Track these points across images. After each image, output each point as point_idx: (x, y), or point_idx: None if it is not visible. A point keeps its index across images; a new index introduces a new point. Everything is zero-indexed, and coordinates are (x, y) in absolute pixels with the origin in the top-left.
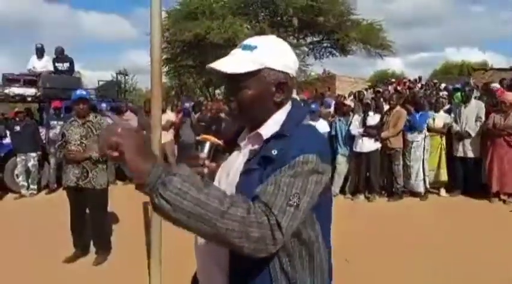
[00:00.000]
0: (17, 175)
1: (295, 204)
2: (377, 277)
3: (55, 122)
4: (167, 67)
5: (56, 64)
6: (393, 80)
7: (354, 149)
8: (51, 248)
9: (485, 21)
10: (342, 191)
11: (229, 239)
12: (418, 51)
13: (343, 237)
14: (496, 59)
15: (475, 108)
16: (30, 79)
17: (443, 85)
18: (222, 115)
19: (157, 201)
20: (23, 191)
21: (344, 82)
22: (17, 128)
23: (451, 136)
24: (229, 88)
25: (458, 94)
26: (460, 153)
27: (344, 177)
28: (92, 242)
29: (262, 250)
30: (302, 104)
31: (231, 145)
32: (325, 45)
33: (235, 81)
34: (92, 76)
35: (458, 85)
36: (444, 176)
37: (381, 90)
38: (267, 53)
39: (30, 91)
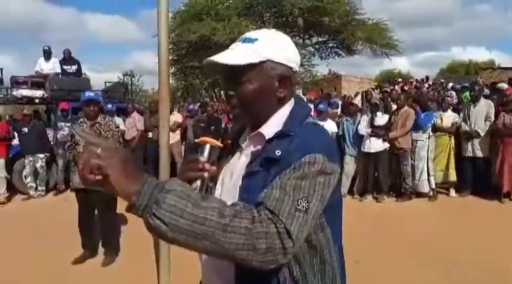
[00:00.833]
0: (25, 176)
1: (303, 208)
2: (386, 278)
3: (62, 124)
4: (173, 68)
5: (64, 66)
6: (400, 80)
7: (362, 149)
8: (60, 249)
9: (492, 20)
10: (350, 191)
11: (235, 254)
12: (424, 51)
13: (352, 238)
14: (503, 58)
15: (484, 108)
16: (38, 81)
17: (450, 84)
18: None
19: (152, 222)
20: (31, 192)
21: (350, 82)
22: (25, 130)
23: (460, 136)
24: (230, 83)
25: (467, 93)
26: (469, 153)
27: (352, 178)
28: (100, 244)
29: (272, 262)
30: (306, 102)
31: (234, 146)
32: (330, 45)
33: (236, 75)
34: (97, 78)
35: (466, 84)
36: (453, 176)
37: (388, 90)
38: (269, 45)
39: (38, 93)
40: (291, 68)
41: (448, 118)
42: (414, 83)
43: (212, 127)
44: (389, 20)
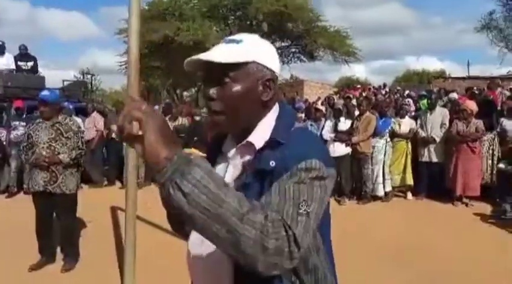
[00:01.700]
0: None
1: (305, 212)
2: (348, 279)
3: (17, 123)
4: None
5: (19, 62)
6: (359, 86)
7: None
8: (14, 255)
9: (443, 31)
10: None
11: (244, 247)
12: (380, 59)
13: None
14: (453, 67)
15: (440, 115)
16: None
17: (407, 92)
18: (197, 118)
19: (172, 192)
20: None
21: (311, 87)
22: None
23: (417, 142)
24: (212, 84)
25: (425, 101)
26: (425, 158)
27: None
28: (59, 249)
29: (277, 266)
30: (289, 105)
31: (213, 155)
32: (293, 50)
33: (219, 76)
34: (52, 75)
35: (424, 93)
36: (410, 180)
37: (351, 96)
38: (254, 47)
39: None
40: (274, 72)
41: (406, 124)
42: (372, 90)
43: (195, 138)
44: (350, 28)
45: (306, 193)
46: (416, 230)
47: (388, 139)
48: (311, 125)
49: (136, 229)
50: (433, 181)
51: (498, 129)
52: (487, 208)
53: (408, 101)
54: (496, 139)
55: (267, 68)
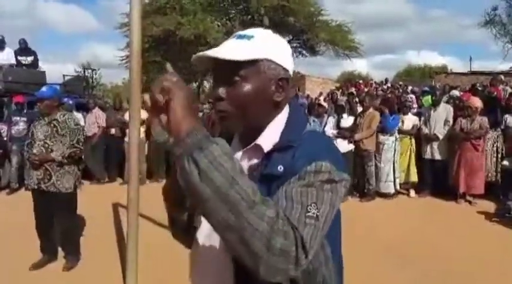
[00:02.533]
0: None
1: (314, 215)
2: (351, 277)
3: (18, 118)
4: None
5: (19, 57)
6: (360, 81)
7: None
8: (16, 253)
9: (445, 25)
10: None
11: (249, 239)
12: (381, 53)
13: None
14: (455, 62)
15: (443, 112)
16: None
17: (410, 87)
18: (199, 114)
19: (186, 165)
20: None
21: (313, 82)
22: None
23: (420, 139)
24: (222, 83)
25: (428, 97)
26: (428, 155)
27: None
28: (60, 247)
29: (281, 271)
30: (300, 104)
31: None
32: (294, 45)
33: (229, 74)
34: (51, 69)
35: (427, 88)
36: (414, 177)
37: (354, 92)
38: (266, 43)
39: None
40: (288, 70)
41: (409, 120)
42: (374, 85)
43: None
44: (352, 22)
45: (315, 196)
46: (420, 228)
47: (398, 136)
48: (313, 121)
49: (138, 226)
50: (436, 179)
51: (502, 126)
52: (491, 206)
53: (411, 97)
54: (500, 136)
55: (280, 66)
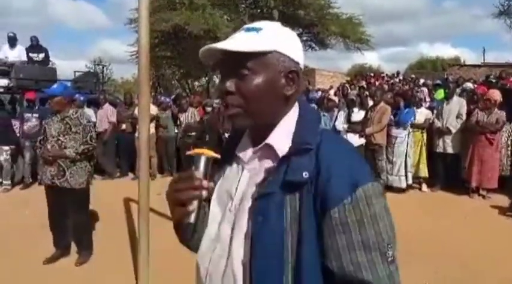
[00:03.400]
0: None
1: (392, 257)
2: None
3: (29, 115)
4: None
5: (30, 54)
6: (372, 74)
7: None
8: (29, 247)
9: (458, 16)
10: None
11: None
12: (392, 46)
13: None
14: (468, 54)
15: (456, 105)
16: (2, 69)
17: (422, 80)
18: (208, 109)
19: None
20: None
21: (323, 76)
22: None
23: (432, 132)
24: (230, 76)
25: (442, 90)
26: (440, 149)
27: None
28: (73, 242)
29: None
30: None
31: (226, 156)
32: (304, 38)
33: (237, 67)
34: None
35: (439, 82)
36: (424, 171)
37: (365, 85)
38: (275, 35)
39: (2, 82)
40: (298, 63)
41: (421, 114)
42: (385, 78)
43: (206, 136)
44: (362, 15)
45: (382, 232)
46: (431, 223)
47: (411, 130)
48: (324, 115)
49: (149, 221)
50: (448, 173)
51: None
52: (504, 201)
53: (422, 90)
54: None
55: (290, 59)
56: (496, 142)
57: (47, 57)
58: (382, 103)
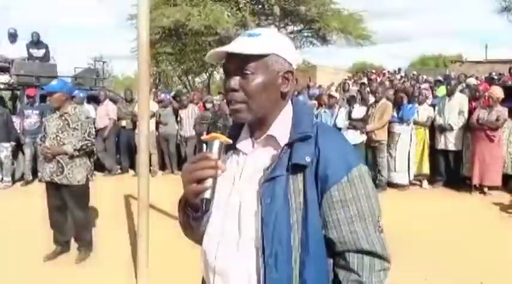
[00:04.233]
0: None
1: (382, 226)
2: None
3: (30, 111)
4: None
5: (31, 50)
6: (374, 71)
7: None
8: (29, 243)
9: (460, 12)
10: None
11: None
12: (395, 42)
13: None
14: (470, 50)
15: (458, 102)
16: (2, 65)
17: (424, 77)
18: (208, 105)
19: None
20: None
21: (325, 72)
22: None
23: (434, 129)
24: (234, 76)
25: (443, 87)
26: (441, 146)
27: None
28: (73, 239)
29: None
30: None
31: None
32: (305, 34)
33: (241, 67)
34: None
35: (440, 78)
36: (426, 168)
37: (365, 82)
38: (273, 40)
39: (2, 78)
40: (291, 64)
41: (424, 112)
42: (387, 75)
43: (219, 123)
44: (364, 11)
45: (374, 206)
46: (432, 219)
47: (413, 127)
48: (324, 112)
49: (149, 218)
50: (449, 170)
51: None
52: (506, 198)
53: (425, 87)
54: None
55: (286, 60)
56: (498, 139)
57: (47, 53)
58: (383, 100)
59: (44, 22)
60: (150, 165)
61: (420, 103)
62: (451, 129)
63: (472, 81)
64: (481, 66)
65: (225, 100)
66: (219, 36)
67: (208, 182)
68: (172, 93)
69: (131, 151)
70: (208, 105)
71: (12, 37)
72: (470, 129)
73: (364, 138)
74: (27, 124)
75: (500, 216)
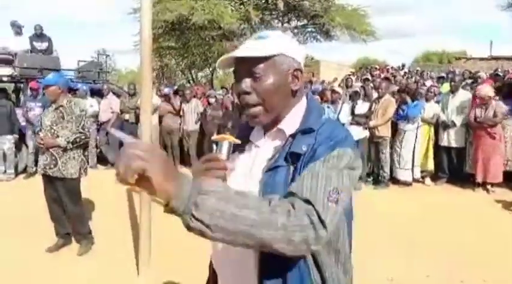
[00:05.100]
0: None
1: (335, 199)
2: (362, 265)
3: (33, 104)
4: None
5: (34, 43)
6: (377, 67)
7: None
8: (32, 235)
9: (465, 8)
10: None
11: (271, 245)
12: (398, 37)
13: None
14: (475, 47)
15: (462, 98)
16: (6, 58)
17: (431, 73)
18: (212, 100)
19: (192, 224)
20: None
21: (328, 67)
22: None
23: (437, 126)
24: (246, 79)
25: (447, 84)
26: (444, 142)
27: None
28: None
29: (306, 250)
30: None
31: (244, 141)
32: (309, 29)
33: (251, 70)
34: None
35: (443, 75)
36: (431, 165)
37: (369, 78)
38: (280, 40)
39: (6, 70)
40: (300, 62)
41: (430, 109)
42: (390, 71)
43: (229, 124)
44: (367, 6)
45: (336, 180)
46: (435, 216)
47: (420, 124)
48: (328, 107)
49: (151, 212)
50: (452, 167)
51: None
52: (509, 195)
53: (431, 84)
54: None
55: (294, 59)
56: (499, 135)
57: (50, 46)
58: (387, 96)
59: (47, 15)
60: None
61: (427, 100)
62: (454, 125)
63: (482, 75)
64: (486, 62)
65: (228, 96)
66: (223, 31)
67: None
68: (175, 88)
69: None
70: (212, 100)
71: (16, 29)
72: (471, 127)
73: (367, 133)
74: (30, 116)
75: (503, 213)
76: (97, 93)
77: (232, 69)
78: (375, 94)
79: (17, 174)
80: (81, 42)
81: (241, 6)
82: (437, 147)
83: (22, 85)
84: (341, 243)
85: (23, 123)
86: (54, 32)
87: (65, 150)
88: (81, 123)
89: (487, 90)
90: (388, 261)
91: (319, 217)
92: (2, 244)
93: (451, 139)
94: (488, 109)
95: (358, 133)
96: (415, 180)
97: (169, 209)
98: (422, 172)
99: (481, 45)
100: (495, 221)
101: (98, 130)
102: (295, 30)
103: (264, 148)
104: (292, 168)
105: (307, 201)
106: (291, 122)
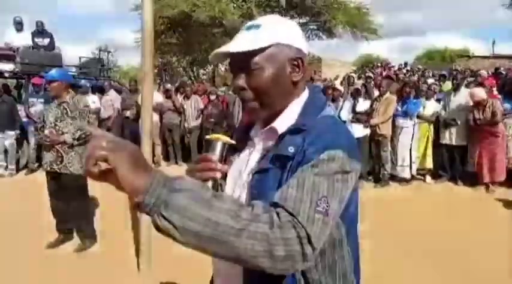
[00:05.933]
0: None
1: (323, 210)
2: (364, 262)
3: (35, 100)
4: None
5: (36, 39)
6: (379, 64)
7: None
8: (33, 231)
9: (468, 7)
10: None
11: (250, 260)
12: (400, 35)
13: None
14: (477, 45)
15: (464, 97)
16: (8, 54)
17: (434, 71)
18: (213, 97)
19: (160, 223)
20: (1, 171)
21: (330, 65)
22: None
23: (438, 124)
24: (241, 74)
25: (449, 82)
26: (446, 140)
27: None
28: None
29: (290, 269)
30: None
31: (243, 140)
32: (311, 27)
33: (245, 64)
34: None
35: (444, 73)
36: (429, 163)
37: (371, 75)
38: (274, 28)
39: (8, 66)
40: (300, 49)
41: (430, 107)
42: (392, 69)
43: (224, 123)
44: (370, 4)
45: (325, 188)
46: (435, 214)
47: (417, 121)
48: (329, 105)
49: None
50: (453, 165)
51: None
52: (510, 194)
53: (433, 81)
54: None
55: (293, 47)
56: (502, 133)
57: (52, 42)
58: (388, 94)
59: (49, 11)
60: (154, 156)
61: (428, 98)
62: (456, 124)
63: (483, 73)
64: (488, 61)
65: (230, 92)
66: (224, 28)
67: (208, 184)
68: (176, 85)
69: (135, 142)
70: (213, 97)
71: (18, 25)
72: (472, 129)
73: (367, 131)
74: (32, 112)
75: (504, 212)
76: (98, 90)
77: (228, 61)
78: (376, 92)
79: (18, 169)
80: (83, 37)
81: (244, 3)
82: (437, 145)
83: (24, 81)
84: (338, 255)
85: (25, 119)
86: (54, 27)
87: (71, 146)
88: (86, 118)
89: (479, 94)
90: (387, 259)
91: (305, 231)
92: (3, 240)
93: (452, 137)
94: (486, 110)
95: (359, 131)
96: (415, 178)
97: (135, 205)
98: (421, 169)
99: (484, 44)
100: (497, 220)
101: (99, 127)
102: None
103: (257, 148)
104: (279, 169)
105: (291, 213)
106: (285, 119)
